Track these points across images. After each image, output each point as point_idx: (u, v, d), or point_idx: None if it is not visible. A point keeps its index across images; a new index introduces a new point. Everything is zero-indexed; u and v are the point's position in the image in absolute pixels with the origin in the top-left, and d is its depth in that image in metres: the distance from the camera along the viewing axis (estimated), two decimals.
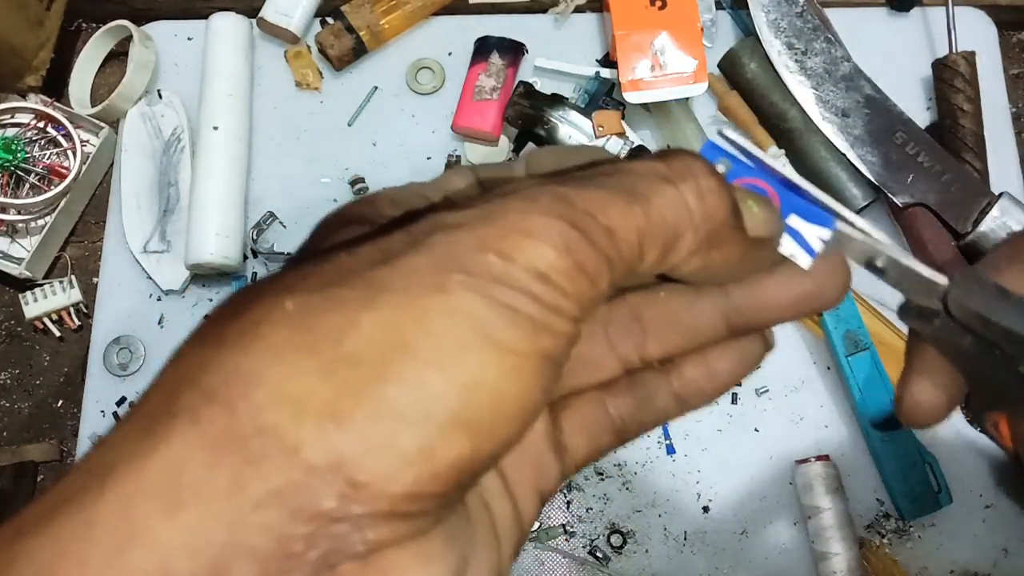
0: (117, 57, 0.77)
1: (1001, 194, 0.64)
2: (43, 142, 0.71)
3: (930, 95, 0.71)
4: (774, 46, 0.68)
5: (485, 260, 0.17)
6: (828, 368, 0.66)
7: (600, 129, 0.66)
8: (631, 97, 0.67)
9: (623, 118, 0.69)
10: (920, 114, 0.71)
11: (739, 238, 0.21)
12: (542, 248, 0.18)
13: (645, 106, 0.69)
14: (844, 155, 0.66)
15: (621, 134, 0.67)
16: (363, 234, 0.20)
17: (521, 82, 0.69)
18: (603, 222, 0.18)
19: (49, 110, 0.71)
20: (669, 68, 0.66)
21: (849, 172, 0.66)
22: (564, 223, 0.18)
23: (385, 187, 0.22)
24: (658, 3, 0.67)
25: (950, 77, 0.68)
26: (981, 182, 0.65)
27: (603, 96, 0.69)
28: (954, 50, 0.68)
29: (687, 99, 0.68)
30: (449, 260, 0.17)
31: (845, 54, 0.68)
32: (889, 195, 0.65)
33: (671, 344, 0.24)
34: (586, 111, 0.67)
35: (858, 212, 0.65)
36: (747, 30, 0.72)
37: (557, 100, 0.68)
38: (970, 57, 0.68)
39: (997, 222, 0.63)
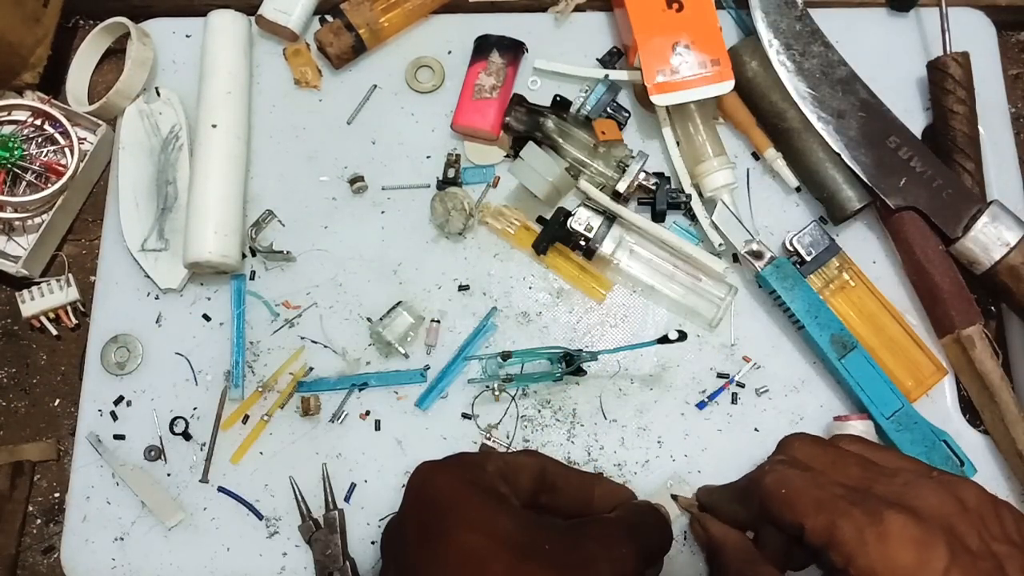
0: (115, 54, 0.77)
1: (991, 202, 0.64)
2: (40, 139, 0.71)
3: (928, 96, 0.71)
4: (773, 46, 0.68)
5: None
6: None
7: (602, 134, 0.66)
8: (659, 100, 0.67)
9: (623, 127, 0.69)
10: (919, 115, 0.71)
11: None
12: None
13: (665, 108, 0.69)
14: (840, 156, 0.66)
15: (619, 141, 0.67)
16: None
17: (515, 95, 0.69)
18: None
19: (46, 107, 0.70)
20: (693, 69, 0.66)
21: (845, 175, 0.66)
22: None
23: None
24: (675, 5, 0.67)
25: (940, 79, 0.68)
26: (972, 189, 0.66)
27: (610, 103, 0.69)
28: (947, 51, 0.68)
29: (713, 99, 0.68)
30: None
31: (841, 59, 0.69)
32: (882, 196, 0.65)
33: None
34: (586, 119, 0.68)
35: (853, 215, 0.66)
36: (747, 30, 0.72)
37: (552, 111, 0.68)
38: (961, 58, 0.68)
39: (988, 228, 0.63)
